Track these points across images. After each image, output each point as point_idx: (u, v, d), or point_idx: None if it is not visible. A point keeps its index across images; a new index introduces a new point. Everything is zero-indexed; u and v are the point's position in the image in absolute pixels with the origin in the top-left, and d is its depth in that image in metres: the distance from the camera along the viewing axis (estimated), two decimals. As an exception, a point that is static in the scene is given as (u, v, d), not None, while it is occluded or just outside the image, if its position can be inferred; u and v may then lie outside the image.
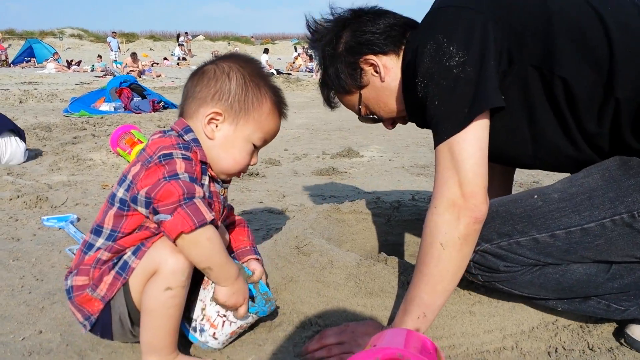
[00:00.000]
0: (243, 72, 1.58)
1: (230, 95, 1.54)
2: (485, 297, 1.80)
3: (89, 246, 1.52)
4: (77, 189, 3.70)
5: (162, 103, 8.77)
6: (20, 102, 9.65)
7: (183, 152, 1.43)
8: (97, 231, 1.51)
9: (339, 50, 1.74)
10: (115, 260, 1.48)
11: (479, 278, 1.67)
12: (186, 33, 42.57)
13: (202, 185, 1.47)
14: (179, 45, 38.88)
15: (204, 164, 1.53)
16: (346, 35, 1.74)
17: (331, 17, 1.82)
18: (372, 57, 1.70)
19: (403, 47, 1.69)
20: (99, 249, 1.49)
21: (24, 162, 4.58)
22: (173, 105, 9.02)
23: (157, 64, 29.52)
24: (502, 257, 1.58)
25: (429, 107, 1.45)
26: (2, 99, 9.68)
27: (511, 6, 1.49)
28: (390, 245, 2.66)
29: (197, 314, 1.59)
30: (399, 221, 2.76)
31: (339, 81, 1.77)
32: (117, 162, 4.49)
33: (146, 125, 6.54)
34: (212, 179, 1.59)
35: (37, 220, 2.97)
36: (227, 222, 1.83)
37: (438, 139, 1.43)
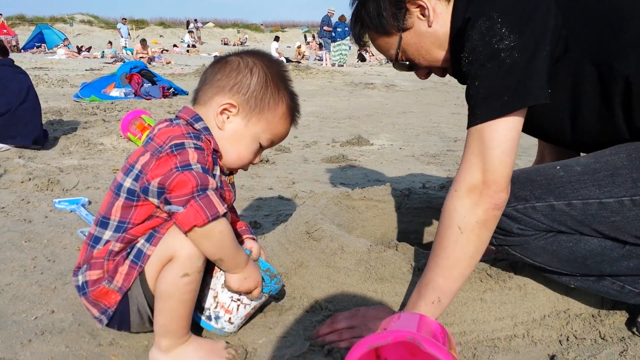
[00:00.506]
0: (266, 71, 1.56)
1: (248, 90, 1.52)
2: (497, 284, 1.79)
3: (95, 239, 1.48)
4: (88, 173, 3.71)
5: (171, 89, 8.76)
6: (31, 87, 9.67)
7: (195, 141, 1.41)
8: (103, 223, 1.48)
9: None
10: (129, 250, 1.45)
11: (493, 241, 1.64)
12: (196, 20, 42.51)
13: (214, 176, 1.45)
14: (189, 32, 38.84)
15: (216, 152, 1.52)
16: None
17: None
18: (424, 0, 1.58)
19: None
20: (108, 241, 1.46)
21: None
22: (183, 92, 9.02)
23: (167, 50, 29.52)
24: (516, 219, 1.58)
25: (469, 86, 1.41)
26: (13, 83, 9.69)
27: None
28: (401, 232, 2.66)
29: (209, 302, 1.59)
30: (410, 208, 2.75)
31: (380, 19, 1.64)
32: (127, 146, 4.50)
33: (156, 111, 6.54)
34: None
35: (49, 203, 2.98)
36: None
37: (471, 121, 1.40)
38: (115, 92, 8.26)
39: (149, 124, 4.49)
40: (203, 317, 1.61)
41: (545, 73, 1.36)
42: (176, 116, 1.55)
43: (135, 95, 8.26)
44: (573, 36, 1.42)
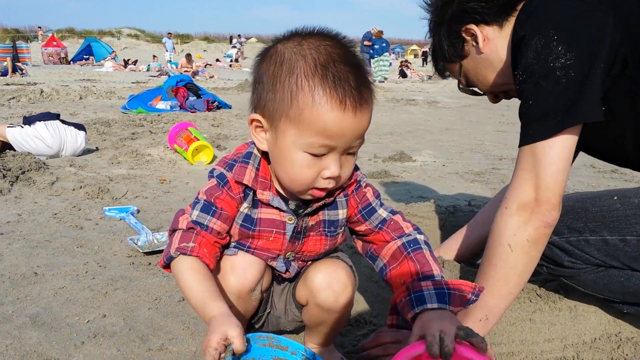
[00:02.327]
0: (282, 54, 1.19)
1: (262, 92, 1.21)
2: (547, 305, 1.77)
3: None
4: (137, 182, 3.80)
5: (215, 103, 8.92)
6: (80, 98, 9.98)
7: (224, 170, 1.34)
8: None
9: (445, 18, 1.69)
10: None
11: (544, 269, 1.65)
12: (239, 35, 43.17)
13: (233, 214, 1.33)
14: (233, 47, 39.46)
15: (247, 186, 1.32)
16: (455, 3, 1.66)
17: None
18: (472, 27, 1.63)
19: (512, 18, 1.59)
20: None
21: (83, 155, 4.74)
22: (226, 106, 9.17)
23: (210, 65, 30.07)
24: (568, 251, 1.57)
25: (522, 104, 1.42)
26: (64, 94, 10.02)
27: (633, 6, 1.41)
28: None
29: None
30: (455, 226, 2.73)
31: (441, 50, 1.73)
32: (174, 158, 4.59)
33: (201, 124, 6.67)
34: (283, 200, 1.34)
35: (99, 211, 3.07)
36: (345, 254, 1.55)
37: (524, 140, 1.40)
38: (161, 105, 8.46)
39: (195, 136, 4.58)
40: None
41: (600, 91, 1.35)
42: None
43: (181, 108, 8.44)
44: (632, 53, 1.40)
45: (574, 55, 1.32)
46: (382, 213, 1.42)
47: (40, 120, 4.52)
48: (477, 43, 1.64)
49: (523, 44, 1.41)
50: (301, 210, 1.35)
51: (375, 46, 19.76)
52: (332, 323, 1.46)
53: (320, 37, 1.19)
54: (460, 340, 1.08)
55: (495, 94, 1.79)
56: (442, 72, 1.84)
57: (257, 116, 1.23)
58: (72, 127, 4.65)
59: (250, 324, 1.51)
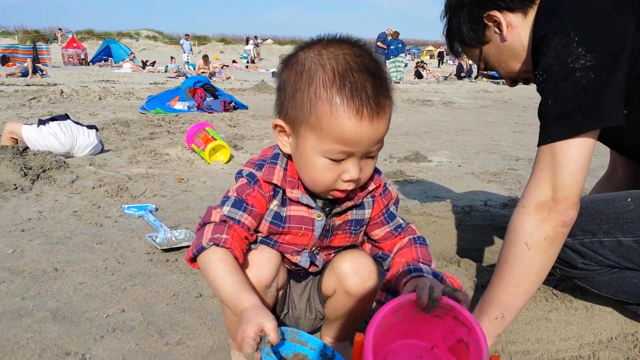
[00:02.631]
0: (304, 63, 1.22)
1: (285, 100, 1.25)
2: (563, 304, 1.76)
3: None
4: (155, 181, 3.85)
5: (232, 103, 8.97)
6: (100, 98, 10.09)
7: (253, 170, 1.37)
8: None
9: (464, 2, 1.66)
10: None
11: (557, 271, 1.64)
12: (255, 37, 43.36)
13: (263, 211, 1.36)
14: (255, 45, 39.58)
15: (276, 185, 1.36)
16: None
17: None
18: (496, 14, 1.60)
19: (535, 5, 1.57)
20: None
21: (102, 154, 4.81)
22: (243, 106, 9.22)
23: (227, 66, 30.22)
24: (581, 253, 1.56)
25: (542, 104, 1.41)
26: (83, 95, 10.15)
27: None
28: (461, 249, 2.63)
29: None
30: (471, 226, 2.73)
31: (461, 34, 1.70)
32: (191, 157, 4.64)
33: (218, 125, 6.71)
34: (312, 197, 1.36)
35: (118, 208, 3.11)
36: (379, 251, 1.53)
37: (542, 139, 1.39)
38: (179, 105, 8.53)
39: (212, 136, 4.62)
40: None
41: (622, 94, 1.34)
42: None
43: (198, 109, 8.50)
44: None
45: (594, 57, 1.31)
46: (399, 220, 1.48)
47: (54, 120, 4.62)
48: (500, 30, 1.62)
49: (544, 43, 1.41)
50: (327, 209, 1.38)
51: (391, 47, 19.74)
52: (356, 312, 1.47)
53: (341, 46, 1.21)
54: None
55: (514, 79, 1.78)
56: (457, 53, 1.82)
57: (280, 122, 1.27)
58: (85, 127, 4.73)
59: None
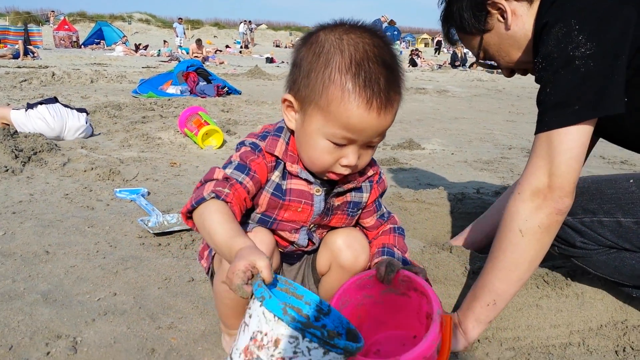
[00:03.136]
0: (324, 44, 1.23)
1: (298, 77, 1.27)
2: (554, 291, 1.77)
3: None
4: (147, 165, 3.83)
5: (225, 88, 8.92)
6: (92, 81, 10.02)
7: (256, 140, 1.39)
8: None
9: None
10: None
11: (555, 249, 1.66)
12: (250, 22, 43.05)
13: (264, 180, 1.37)
14: (249, 30, 39.31)
15: (277, 157, 1.38)
16: None
17: None
18: (501, 1, 1.58)
19: None
20: None
21: (93, 137, 4.78)
22: (236, 91, 9.17)
23: (220, 51, 30.03)
24: (580, 232, 1.58)
25: (540, 92, 1.41)
26: (75, 77, 10.07)
27: None
28: (453, 236, 2.64)
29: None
30: (463, 213, 2.74)
31: (462, 20, 1.67)
32: (184, 141, 4.61)
33: (210, 109, 6.68)
34: (311, 175, 1.39)
35: (110, 192, 3.09)
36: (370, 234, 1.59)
37: (540, 127, 1.40)
38: (172, 89, 8.48)
39: (205, 121, 4.59)
40: None
41: (621, 83, 1.33)
42: None
43: (191, 93, 8.45)
44: None
45: (594, 45, 1.31)
46: (384, 209, 1.59)
47: (42, 104, 4.58)
48: (504, 18, 1.60)
49: (544, 31, 1.40)
50: (326, 188, 1.42)
51: (387, 33, 19.73)
52: None
53: (362, 34, 1.23)
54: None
55: (512, 70, 1.76)
56: (453, 40, 1.79)
57: (289, 97, 1.30)
58: (74, 110, 4.69)
59: None
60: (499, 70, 1.81)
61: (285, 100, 1.31)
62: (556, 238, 1.57)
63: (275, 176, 1.39)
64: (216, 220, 1.21)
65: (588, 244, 1.59)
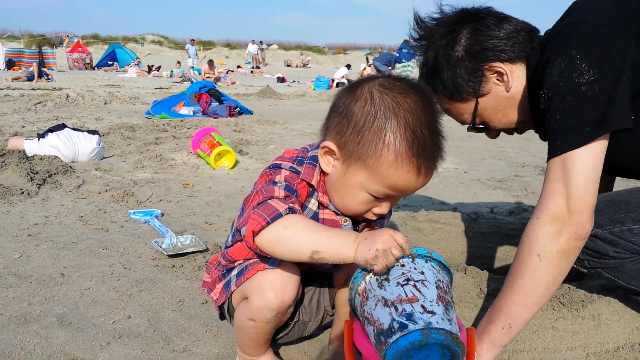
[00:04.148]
0: (378, 104, 1.23)
1: (347, 132, 1.26)
2: (570, 313, 1.75)
3: (226, 245, 1.55)
4: (161, 186, 3.86)
5: (237, 109, 8.98)
6: (105, 103, 10.13)
7: (294, 165, 1.39)
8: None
9: (458, 54, 1.64)
10: (224, 272, 1.50)
11: (586, 264, 1.66)
12: (261, 42, 43.45)
13: (303, 207, 1.38)
14: (256, 54, 39.69)
15: (311, 186, 1.38)
16: (465, 37, 1.63)
17: (440, 16, 1.69)
18: (499, 65, 1.61)
19: (529, 55, 1.61)
20: (224, 250, 1.53)
21: (107, 159, 4.82)
22: (248, 111, 9.23)
23: (232, 71, 30.30)
24: (612, 242, 1.58)
25: (549, 120, 1.42)
26: (89, 99, 10.19)
27: None
28: (467, 256, 2.63)
29: (384, 317, 1.09)
30: (477, 233, 2.73)
31: (455, 87, 1.67)
32: (197, 162, 4.64)
33: (223, 129, 6.72)
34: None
35: (124, 214, 3.12)
36: None
37: (552, 152, 1.41)
38: (184, 110, 8.54)
39: (217, 142, 4.63)
40: (396, 336, 1.04)
41: (627, 100, 1.36)
42: None
43: (203, 114, 8.52)
44: None
45: (597, 72, 1.35)
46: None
47: (51, 132, 4.64)
48: (501, 81, 1.64)
49: (547, 65, 1.44)
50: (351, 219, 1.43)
51: (404, 50, 19.99)
52: None
53: (417, 98, 1.25)
54: None
55: (501, 130, 1.79)
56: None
57: (333, 146, 1.29)
58: (85, 132, 4.75)
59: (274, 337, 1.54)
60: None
61: (326, 147, 1.31)
62: (587, 252, 1.59)
63: (312, 204, 1.40)
64: (310, 227, 1.23)
65: (621, 252, 1.59)
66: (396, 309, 1.07)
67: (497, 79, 1.65)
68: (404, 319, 1.05)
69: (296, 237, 1.21)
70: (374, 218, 1.37)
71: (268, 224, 1.21)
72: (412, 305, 1.07)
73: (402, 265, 1.14)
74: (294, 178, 1.36)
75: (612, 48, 1.37)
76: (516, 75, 1.63)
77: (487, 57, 1.62)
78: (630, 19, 1.42)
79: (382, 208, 1.33)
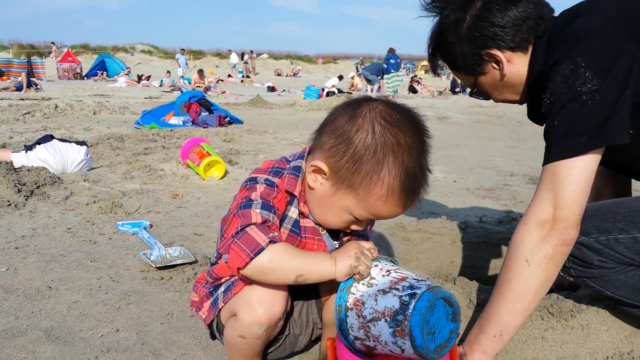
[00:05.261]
0: (378, 137, 1.26)
1: (342, 158, 1.28)
2: (559, 323, 1.76)
3: (211, 263, 1.57)
4: (150, 197, 3.83)
5: (227, 118, 8.98)
6: (94, 113, 10.09)
7: (270, 177, 1.39)
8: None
9: (461, 32, 1.64)
10: (211, 289, 1.50)
11: (572, 272, 1.67)
12: (251, 51, 43.51)
13: (284, 217, 1.40)
14: (244, 63, 39.74)
15: (293, 195, 1.40)
16: (470, 18, 1.62)
17: None
18: (496, 52, 1.63)
19: (533, 42, 1.62)
20: (209, 268, 1.53)
21: (96, 169, 4.80)
22: (238, 121, 9.23)
23: (222, 80, 30.30)
24: (598, 251, 1.59)
25: (548, 125, 1.45)
26: (78, 109, 10.15)
27: None
28: (457, 266, 2.63)
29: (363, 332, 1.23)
30: (466, 243, 2.74)
31: (455, 61, 1.71)
32: (186, 173, 4.63)
33: (213, 140, 6.71)
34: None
35: (113, 225, 3.09)
36: None
37: (547, 158, 1.43)
38: (174, 120, 8.53)
39: (207, 152, 4.61)
40: (412, 305, 1.15)
41: (626, 115, 1.37)
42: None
43: (193, 124, 8.51)
44: None
45: (600, 82, 1.36)
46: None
47: (39, 144, 4.60)
48: (499, 67, 1.66)
49: (552, 69, 1.45)
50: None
51: (391, 61, 20.06)
52: None
53: (413, 136, 1.29)
54: None
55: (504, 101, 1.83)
56: (436, 71, 1.82)
57: (324, 167, 1.31)
58: (73, 143, 4.71)
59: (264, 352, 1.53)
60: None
61: (317, 167, 1.32)
62: (573, 260, 1.61)
63: (292, 212, 1.42)
64: (292, 255, 1.27)
65: (606, 262, 1.60)
66: (397, 289, 1.18)
67: (494, 64, 1.67)
68: (409, 290, 1.16)
69: (280, 267, 1.26)
70: (349, 231, 1.44)
71: (252, 259, 1.23)
72: (406, 281, 1.19)
73: (376, 265, 1.28)
74: (270, 193, 1.36)
75: (619, 59, 1.37)
76: (515, 62, 1.64)
77: (486, 44, 1.63)
78: None
79: (360, 225, 1.40)
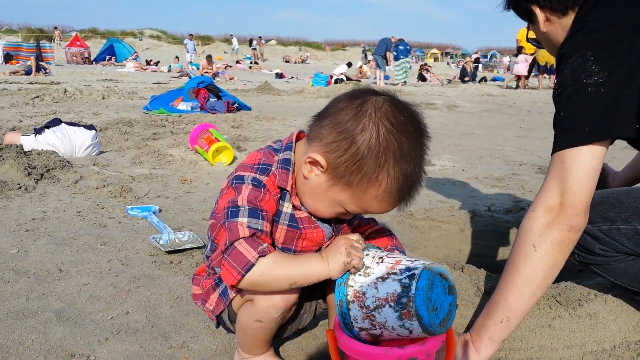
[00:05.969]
0: (380, 139, 1.26)
1: (342, 156, 1.27)
2: (566, 312, 1.76)
3: (206, 255, 1.55)
4: (158, 182, 3.85)
5: (235, 104, 8.98)
6: (103, 97, 10.12)
7: (257, 175, 1.36)
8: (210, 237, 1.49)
9: None
10: (217, 280, 1.50)
11: (575, 257, 1.70)
12: (260, 37, 43.37)
13: (273, 216, 1.38)
14: (252, 49, 39.66)
15: (284, 189, 1.39)
16: None
17: None
18: (536, 9, 1.67)
19: (573, 13, 1.61)
20: (207, 257, 1.53)
21: (105, 154, 4.82)
22: (246, 107, 9.23)
23: (230, 66, 30.26)
24: (599, 239, 1.63)
25: (556, 115, 1.48)
26: (87, 94, 10.18)
27: None
28: (464, 255, 2.64)
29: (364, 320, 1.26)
30: (474, 231, 2.74)
31: (517, 9, 1.77)
32: (195, 158, 4.64)
33: (221, 126, 6.71)
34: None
35: (122, 209, 3.12)
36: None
37: (554, 147, 1.46)
38: (182, 106, 8.54)
39: (216, 137, 4.62)
40: (414, 286, 1.19)
41: (632, 109, 1.39)
42: (282, 139, 1.47)
43: (201, 109, 8.51)
44: None
45: (606, 75, 1.38)
46: None
47: (48, 127, 4.62)
48: (538, 22, 1.69)
49: (562, 60, 1.48)
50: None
51: (400, 47, 19.96)
52: None
53: (415, 140, 1.29)
54: None
55: None
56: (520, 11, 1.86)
57: (322, 161, 1.29)
58: (82, 127, 4.73)
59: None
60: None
61: (314, 159, 1.30)
62: (577, 246, 1.61)
63: (286, 207, 1.40)
64: (283, 265, 1.28)
65: (607, 251, 1.63)
66: (395, 273, 1.21)
67: (539, 19, 1.70)
68: (407, 273, 1.19)
69: (272, 278, 1.27)
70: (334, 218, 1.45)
71: (243, 276, 1.24)
72: (402, 264, 1.23)
73: (367, 255, 1.30)
74: (257, 196, 1.33)
75: (627, 52, 1.39)
76: (554, 21, 1.66)
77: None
78: None
79: (349, 216, 1.43)
